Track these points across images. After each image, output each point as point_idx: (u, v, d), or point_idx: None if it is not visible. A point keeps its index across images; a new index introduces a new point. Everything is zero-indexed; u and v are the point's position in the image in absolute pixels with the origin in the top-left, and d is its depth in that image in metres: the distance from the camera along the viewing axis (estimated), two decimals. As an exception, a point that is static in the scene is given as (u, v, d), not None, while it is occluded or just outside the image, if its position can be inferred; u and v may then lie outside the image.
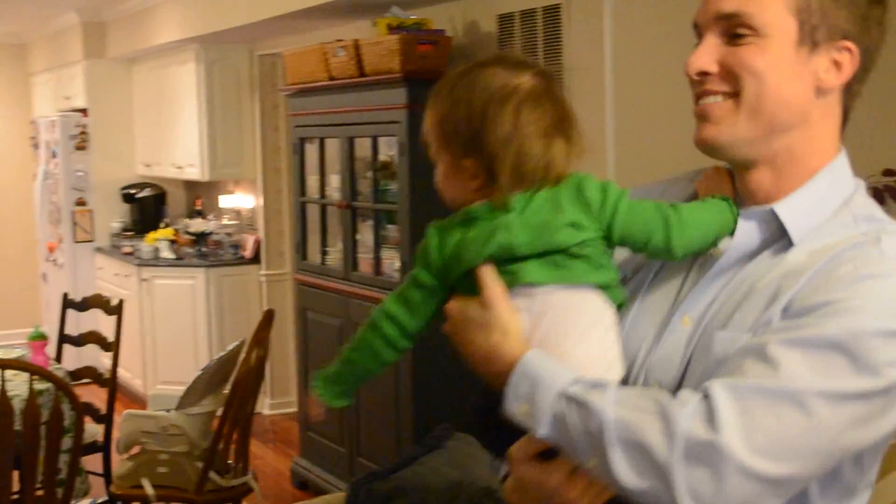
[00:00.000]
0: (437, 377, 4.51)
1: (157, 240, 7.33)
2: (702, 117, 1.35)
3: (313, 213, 5.52)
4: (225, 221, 7.51)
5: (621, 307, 1.42)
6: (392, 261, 4.74)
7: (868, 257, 1.26)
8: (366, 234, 4.99)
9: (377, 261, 4.86)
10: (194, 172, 7.29)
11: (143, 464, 4.18)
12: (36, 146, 8.82)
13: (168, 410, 4.19)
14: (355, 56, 4.74)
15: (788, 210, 1.34)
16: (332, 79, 4.97)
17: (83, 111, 8.30)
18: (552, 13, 4.29)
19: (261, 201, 7.11)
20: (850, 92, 1.37)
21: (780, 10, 1.30)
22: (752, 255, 1.37)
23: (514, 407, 1.29)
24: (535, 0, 4.38)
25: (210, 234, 7.37)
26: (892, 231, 1.31)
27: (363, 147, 4.99)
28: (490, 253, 1.37)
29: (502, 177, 1.37)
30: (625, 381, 1.38)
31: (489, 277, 1.37)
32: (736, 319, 1.31)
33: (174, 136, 7.55)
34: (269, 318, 4.33)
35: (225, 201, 7.53)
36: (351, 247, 5.04)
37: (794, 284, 1.27)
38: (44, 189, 8.57)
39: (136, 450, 4.22)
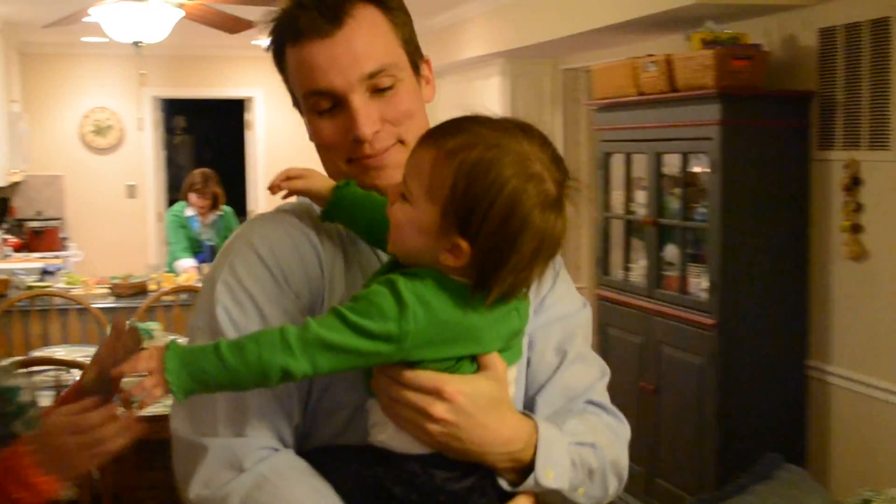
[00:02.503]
0: (744, 395, 4.39)
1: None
2: (379, 167, 1.40)
3: (616, 228, 5.50)
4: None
5: None
6: (699, 280, 4.64)
7: None
8: (672, 252, 4.92)
9: (683, 280, 4.78)
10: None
11: None
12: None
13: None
14: (666, 71, 4.69)
15: None
16: (641, 94, 4.94)
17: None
18: (880, 27, 4.08)
19: (559, 214, 7.15)
20: None
21: (398, 49, 1.41)
22: None
23: (543, 476, 1.32)
24: (860, 13, 4.17)
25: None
26: None
27: (671, 163, 4.93)
28: (506, 338, 1.32)
29: (499, 286, 1.24)
30: None
31: (496, 356, 1.31)
32: None
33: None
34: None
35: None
36: (656, 264, 4.99)
37: None
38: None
39: None
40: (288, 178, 1.45)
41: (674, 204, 4.89)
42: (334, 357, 1.21)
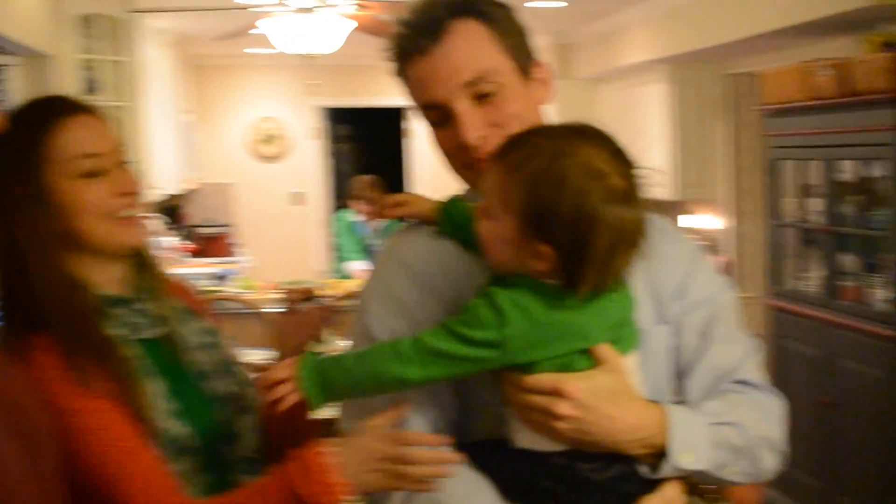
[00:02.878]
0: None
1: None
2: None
3: (788, 236, 5.36)
4: (686, 241, 7.47)
5: None
6: (879, 291, 4.48)
7: None
8: (848, 261, 4.76)
9: (861, 289, 4.62)
10: (661, 192, 7.35)
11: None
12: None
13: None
14: (841, 75, 4.54)
15: None
16: (814, 98, 4.79)
17: (551, 130, 8.64)
18: None
19: (730, 222, 7.02)
20: None
21: (500, 56, 1.47)
22: None
23: (681, 458, 1.38)
24: None
25: (670, 252, 7.36)
26: None
27: (845, 169, 4.77)
28: (610, 328, 1.39)
29: (586, 283, 1.33)
30: None
31: (609, 349, 1.38)
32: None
33: (639, 155, 7.62)
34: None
35: (684, 221, 7.52)
36: (831, 273, 4.84)
37: None
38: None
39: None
40: (394, 205, 1.60)
41: (849, 211, 4.74)
42: (445, 365, 1.33)
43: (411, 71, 1.49)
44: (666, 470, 1.39)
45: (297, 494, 1.41)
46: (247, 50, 8.98)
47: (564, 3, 6.80)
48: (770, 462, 1.51)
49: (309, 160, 10.29)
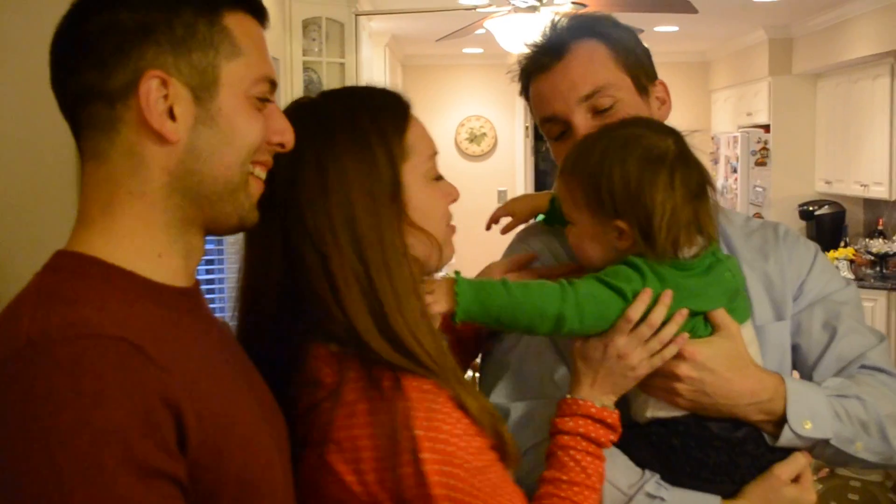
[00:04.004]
0: None
1: (837, 259, 7.20)
2: None
3: None
4: (910, 243, 7.15)
5: None
6: None
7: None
8: None
9: None
10: (880, 191, 7.04)
11: (833, 488, 4.13)
12: (715, 161, 9.14)
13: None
14: None
15: None
16: None
17: (765, 127, 8.42)
18: None
19: (953, 223, 6.65)
20: None
21: (618, 73, 1.56)
22: None
23: (799, 426, 1.42)
24: None
25: (893, 255, 7.06)
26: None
27: None
28: (727, 296, 1.47)
29: (660, 239, 1.38)
30: None
31: (727, 316, 1.45)
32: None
33: (859, 153, 7.36)
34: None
35: (911, 222, 7.17)
36: None
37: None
38: (723, 203, 8.83)
39: (824, 472, 4.19)
40: (506, 215, 1.89)
41: None
42: (597, 310, 1.37)
43: (534, 87, 1.60)
44: (787, 436, 1.43)
45: (594, 442, 1.38)
46: (465, 50, 9.13)
47: (783, -3, 6.61)
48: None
49: (514, 158, 10.36)
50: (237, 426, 1.10)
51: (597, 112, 1.54)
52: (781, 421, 1.43)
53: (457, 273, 1.40)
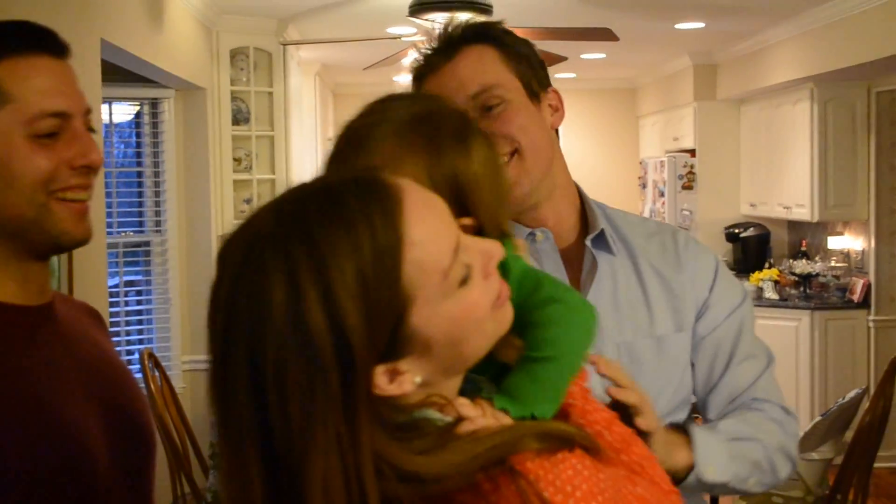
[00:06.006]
0: None
1: (762, 280, 7.34)
2: None
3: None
4: (832, 263, 7.31)
5: None
6: None
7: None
8: None
9: None
10: (803, 213, 7.20)
11: (756, 503, 4.20)
12: (643, 185, 9.28)
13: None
14: None
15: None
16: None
17: (691, 151, 8.57)
18: None
19: (872, 243, 6.83)
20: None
21: (507, 75, 1.59)
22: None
23: (704, 473, 1.48)
24: None
25: (816, 275, 7.22)
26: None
27: None
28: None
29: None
30: None
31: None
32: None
33: (782, 175, 7.53)
34: (894, 367, 4.15)
35: (833, 243, 7.34)
36: None
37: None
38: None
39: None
40: None
41: None
42: None
43: (425, 88, 1.61)
44: (691, 481, 1.48)
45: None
46: (395, 78, 9.17)
47: (702, 25, 6.75)
48: (786, 470, 1.63)
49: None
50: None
51: (485, 110, 1.56)
52: (688, 467, 1.47)
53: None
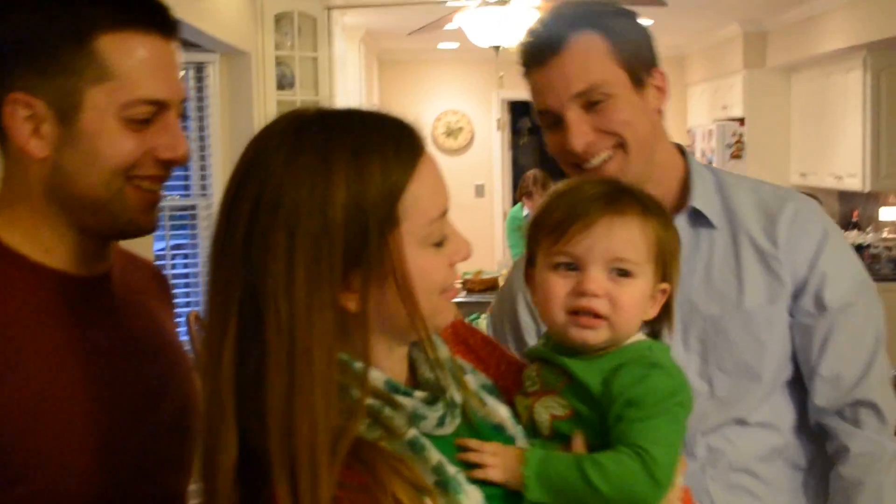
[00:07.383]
0: None
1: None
2: (596, 174, 1.57)
3: None
4: (884, 234, 7.19)
5: None
6: None
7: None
8: None
9: None
10: (854, 183, 7.08)
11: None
12: (691, 154, 9.16)
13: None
14: None
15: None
16: None
17: (740, 120, 8.46)
18: None
19: (925, 215, 6.71)
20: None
21: (614, 68, 1.56)
22: None
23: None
24: None
25: (867, 246, 7.11)
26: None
27: None
28: None
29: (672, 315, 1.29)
30: None
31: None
32: None
33: (834, 145, 7.40)
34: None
35: (885, 213, 7.21)
36: None
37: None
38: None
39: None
40: None
41: None
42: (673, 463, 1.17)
43: (532, 79, 1.61)
44: None
45: None
46: (441, 45, 9.13)
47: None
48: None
49: (491, 153, 10.37)
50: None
51: (589, 106, 1.56)
52: None
53: (533, 443, 1.18)
